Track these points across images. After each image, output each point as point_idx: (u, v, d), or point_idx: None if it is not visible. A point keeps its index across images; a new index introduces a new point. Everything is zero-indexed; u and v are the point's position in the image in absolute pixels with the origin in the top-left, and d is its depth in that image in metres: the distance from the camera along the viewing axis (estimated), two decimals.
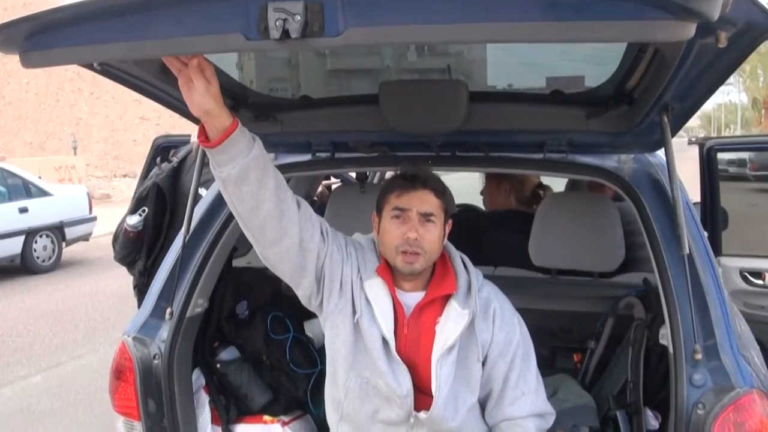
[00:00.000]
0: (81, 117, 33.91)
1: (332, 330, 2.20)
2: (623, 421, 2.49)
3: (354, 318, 2.15)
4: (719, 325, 2.16)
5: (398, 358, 2.12)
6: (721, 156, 14.35)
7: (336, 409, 2.24)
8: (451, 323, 2.13)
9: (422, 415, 2.11)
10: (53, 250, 11.95)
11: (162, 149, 4.35)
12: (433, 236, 2.15)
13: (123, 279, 9.92)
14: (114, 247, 3.95)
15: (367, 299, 2.15)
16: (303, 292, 2.18)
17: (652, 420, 2.46)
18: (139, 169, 23.42)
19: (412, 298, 2.19)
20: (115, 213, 14.33)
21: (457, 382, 2.14)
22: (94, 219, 12.90)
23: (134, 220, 3.66)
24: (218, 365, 2.79)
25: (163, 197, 3.64)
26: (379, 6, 1.48)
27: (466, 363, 2.16)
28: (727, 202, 4.67)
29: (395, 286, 2.19)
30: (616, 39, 1.63)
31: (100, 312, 8.83)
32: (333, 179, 4.48)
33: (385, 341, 2.12)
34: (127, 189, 27.24)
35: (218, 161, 1.93)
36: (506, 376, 2.19)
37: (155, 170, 3.92)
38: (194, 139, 4.06)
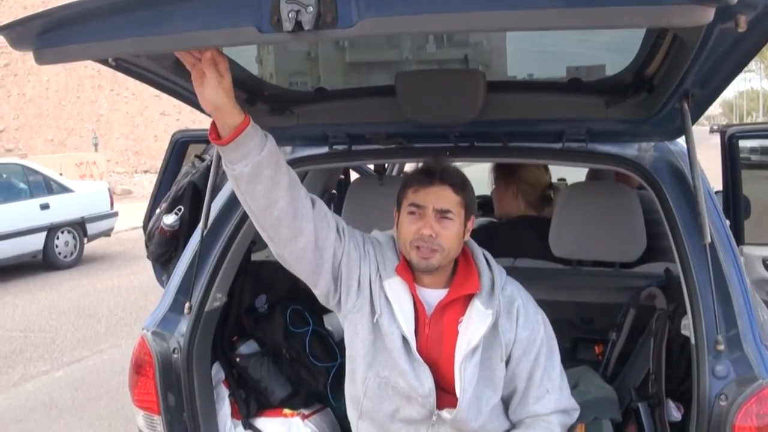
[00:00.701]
0: (102, 113, 34.13)
1: (351, 329, 2.18)
2: (645, 413, 2.46)
3: (374, 318, 2.13)
4: (742, 316, 2.13)
5: (419, 357, 2.10)
6: (743, 144, 14.38)
7: (355, 407, 2.23)
8: (474, 323, 2.11)
9: (445, 414, 2.10)
10: (75, 246, 12.03)
11: (180, 144, 4.34)
12: (450, 233, 2.11)
13: (144, 274, 10.06)
14: (147, 245, 3.95)
15: (386, 298, 2.14)
16: (320, 291, 2.17)
17: (674, 412, 2.43)
18: (159, 164, 23.72)
19: (433, 296, 2.17)
20: (137, 208, 14.47)
21: (481, 383, 2.12)
22: (115, 215, 12.97)
23: (171, 219, 3.66)
24: (238, 359, 2.79)
25: (200, 196, 3.63)
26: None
27: (490, 363, 2.14)
28: (749, 191, 4.61)
29: (416, 283, 2.16)
30: (634, 25, 1.59)
31: (122, 307, 8.87)
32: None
33: (405, 340, 2.10)
34: (148, 184, 27.36)
35: (230, 159, 1.91)
36: (530, 374, 2.16)
37: (186, 168, 3.91)
38: None
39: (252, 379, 2.78)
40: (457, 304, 2.16)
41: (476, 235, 2.34)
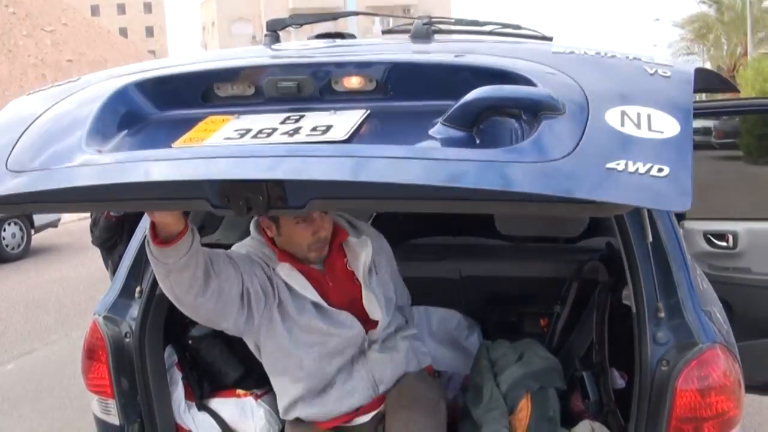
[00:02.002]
0: None
1: (268, 333, 2.44)
2: (590, 381, 2.54)
3: (278, 305, 2.41)
4: (681, 285, 2.21)
5: (336, 310, 2.43)
6: None
7: (296, 385, 2.48)
8: (358, 253, 2.49)
9: (372, 334, 2.47)
10: (22, 238, 11.85)
11: None
12: (330, 222, 2.46)
13: (92, 265, 9.95)
14: (92, 231, 3.95)
15: (285, 283, 2.41)
16: (230, 324, 2.38)
17: (618, 379, 2.52)
18: None
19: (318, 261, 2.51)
20: None
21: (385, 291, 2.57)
22: None
23: None
24: (190, 342, 2.81)
25: None
26: (337, 185, 1.50)
27: (382, 273, 2.59)
28: (696, 173, 4.73)
29: (300, 263, 2.46)
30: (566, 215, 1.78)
31: (71, 298, 8.79)
32: None
33: (317, 305, 2.41)
34: None
35: (165, 255, 2.07)
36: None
37: None
38: None
39: (204, 361, 2.80)
40: (338, 254, 2.51)
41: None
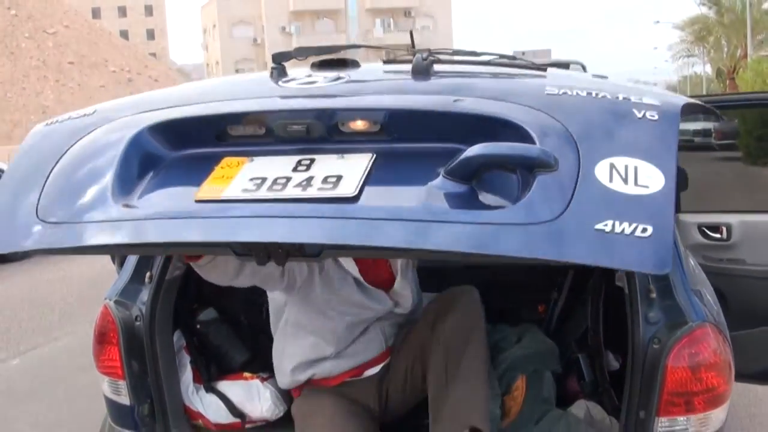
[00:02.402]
0: (47, 105, 33.75)
1: (307, 297, 2.57)
2: (585, 363, 2.63)
3: (320, 272, 2.52)
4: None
5: (373, 288, 2.58)
6: (687, 127, 14.60)
7: (324, 347, 2.63)
8: None
9: (398, 309, 2.70)
10: None
11: None
12: None
13: (94, 265, 10.05)
14: None
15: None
16: (269, 289, 2.63)
17: (613, 361, 2.62)
18: None
19: None
20: None
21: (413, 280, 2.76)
22: None
23: None
24: (198, 326, 2.90)
25: None
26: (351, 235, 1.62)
27: (411, 264, 2.75)
28: (694, 172, 4.81)
29: None
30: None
31: (75, 296, 8.89)
32: None
33: (357, 281, 2.54)
34: None
35: (191, 262, 2.31)
36: None
37: None
38: None
39: (212, 345, 2.89)
40: None
41: None
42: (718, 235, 3.73)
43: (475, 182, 1.64)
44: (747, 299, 3.60)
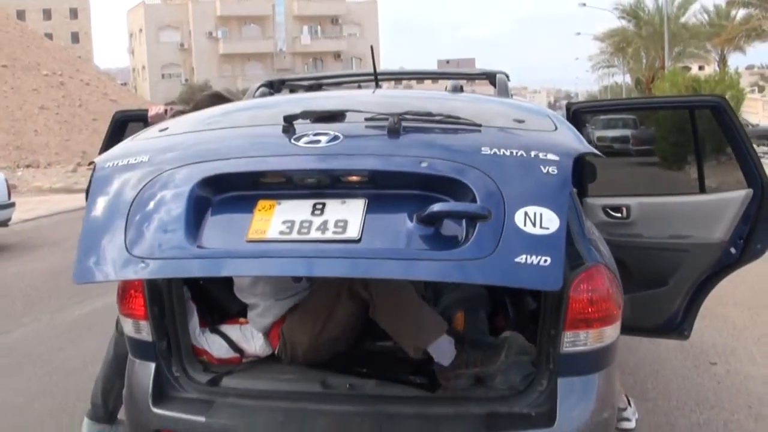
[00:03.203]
0: None
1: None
2: (510, 304, 3.39)
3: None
4: (572, 222, 2.98)
5: None
6: (606, 134, 15.61)
7: None
8: None
9: None
10: None
11: (120, 122, 4.97)
12: None
13: (47, 261, 10.54)
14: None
15: None
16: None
17: (531, 302, 3.35)
18: (42, 158, 23.41)
19: None
20: (24, 202, 14.63)
21: None
22: (12, 205, 13.18)
23: None
24: (201, 282, 3.54)
25: None
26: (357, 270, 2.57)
27: None
28: (613, 177, 5.53)
29: None
30: None
31: (34, 288, 9.25)
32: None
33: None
34: (31, 178, 26.96)
35: None
36: None
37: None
38: (153, 112, 4.74)
39: (212, 297, 3.55)
40: None
41: None
42: (619, 215, 4.45)
43: (438, 225, 2.49)
44: (643, 266, 4.34)
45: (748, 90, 43.70)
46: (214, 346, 3.39)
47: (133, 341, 3.26)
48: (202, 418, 2.96)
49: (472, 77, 5.27)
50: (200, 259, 2.54)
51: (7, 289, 9.35)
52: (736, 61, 50.75)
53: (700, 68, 56.81)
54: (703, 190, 4.49)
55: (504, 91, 3.97)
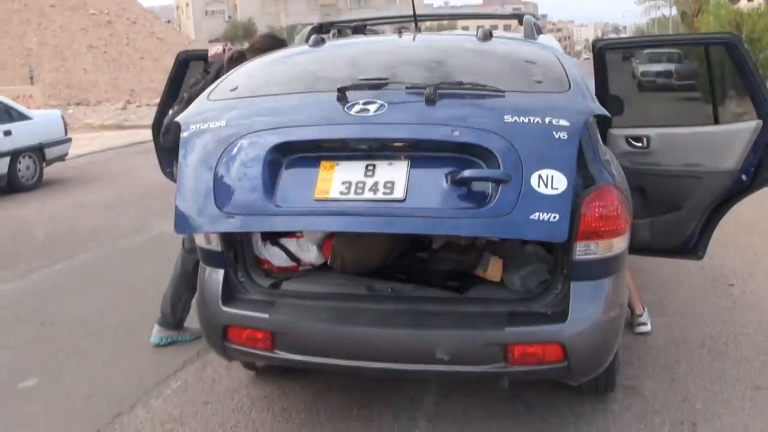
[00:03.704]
0: (31, 47, 34.04)
1: None
2: None
3: None
4: (587, 149, 3.38)
5: None
6: (650, 68, 15.61)
7: None
8: None
9: None
10: (35, 170, 12.84)
11: (183, 61, 5.42)
12: None
13: (102, 194, 11.16)
14: (164, 138, 4.97)
15: None
16: None
17: None
18: (91, 96, 23.99)
19: None
20: (77, 139, 15.19)
21: None
22: (69, 140, 13.81)
23: None
24: None
25: None
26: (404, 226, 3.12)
27: None
28: (654, 111, 5.77)
29: None
30: None
31: (92, 218, 9.91)
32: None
33: None
34: (82, 116, 27.67)
35: None
36: None
37: (195, 78, 4.97)
38: (212, 52, 5.18)
39: None
40: None
41: None
42: (640, 144, 4.80)
43: (469, 185, 3.00)
44: (661, 191, 4.72)
45: None
46: (275, 256, 3.88)
47: (205, 251, 3.75)
48: (265, 315, 3.47)
49: (505, 18, 5.66)
50: (278, 216, 3.13)
51: (68, 218, 9.95)
52: None
53: (749, 0, 55.51)
54: (717, 121, 4.83)
55: (530, 33, 4.30)
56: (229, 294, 3.62)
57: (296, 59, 4.19)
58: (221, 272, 3.64)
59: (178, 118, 3.53)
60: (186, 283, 4.97)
